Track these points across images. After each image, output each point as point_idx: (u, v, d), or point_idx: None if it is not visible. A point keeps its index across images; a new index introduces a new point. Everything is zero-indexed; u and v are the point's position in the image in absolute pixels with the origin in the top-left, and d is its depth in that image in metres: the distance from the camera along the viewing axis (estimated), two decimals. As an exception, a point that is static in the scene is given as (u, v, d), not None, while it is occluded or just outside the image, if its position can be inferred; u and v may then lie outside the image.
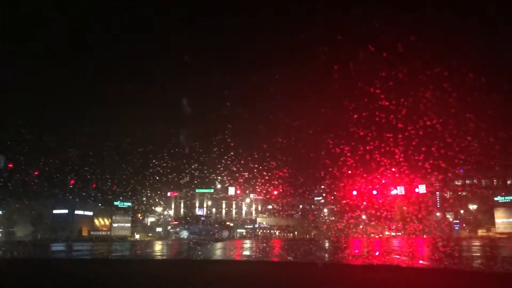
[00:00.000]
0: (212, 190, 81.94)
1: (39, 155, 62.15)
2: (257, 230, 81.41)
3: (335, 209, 75.68)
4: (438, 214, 70.42)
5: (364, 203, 59.11)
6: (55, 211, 64.37)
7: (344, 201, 64.32)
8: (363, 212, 62.62)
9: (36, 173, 66.16)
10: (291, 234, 77.95)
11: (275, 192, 71.24)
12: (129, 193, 65.97)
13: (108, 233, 71.28)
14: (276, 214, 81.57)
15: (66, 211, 65.21)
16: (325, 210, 79.87)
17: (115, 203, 72.76)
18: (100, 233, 70.79)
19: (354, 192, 60.59)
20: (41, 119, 73.88)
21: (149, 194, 64.22)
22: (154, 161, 50.86)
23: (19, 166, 64.22)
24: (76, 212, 67.35)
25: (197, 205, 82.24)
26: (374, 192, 61.04)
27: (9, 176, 63.92)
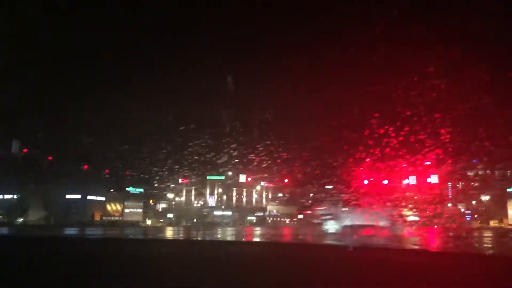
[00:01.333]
0: (223, 177, 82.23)
1: (53, 140, 63.00)
2: (267, 218, 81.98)
3: (344, 198, 75.33)
4: (449, 204, 69.87)
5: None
6: (68, 196, 65.24)
7: (353, 190, 63.92)
8: (372, 201, 62.23)
9: (50, 158, 67.22)
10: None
11: (286, 180, 71.27)
12: (143, 178, 66.28)
13: (120, 218, 72.25)
14: (286, 202, 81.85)
15: (79, 196, 66.07)
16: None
17: (128, 188, 73.58)
18: (112, 218, 71.76)
19: (365, 182, 60.17)
20: (56, 104, 74.01)
21: (162, 180, 64.48)
22: (171, 145, 50.98)
23: (34, 151, 65.31)
24: (89, 197, 68.22)
25: (208, 192, 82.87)
26: (385, 181, 60.61)
27: (24, 160, 65.07)
